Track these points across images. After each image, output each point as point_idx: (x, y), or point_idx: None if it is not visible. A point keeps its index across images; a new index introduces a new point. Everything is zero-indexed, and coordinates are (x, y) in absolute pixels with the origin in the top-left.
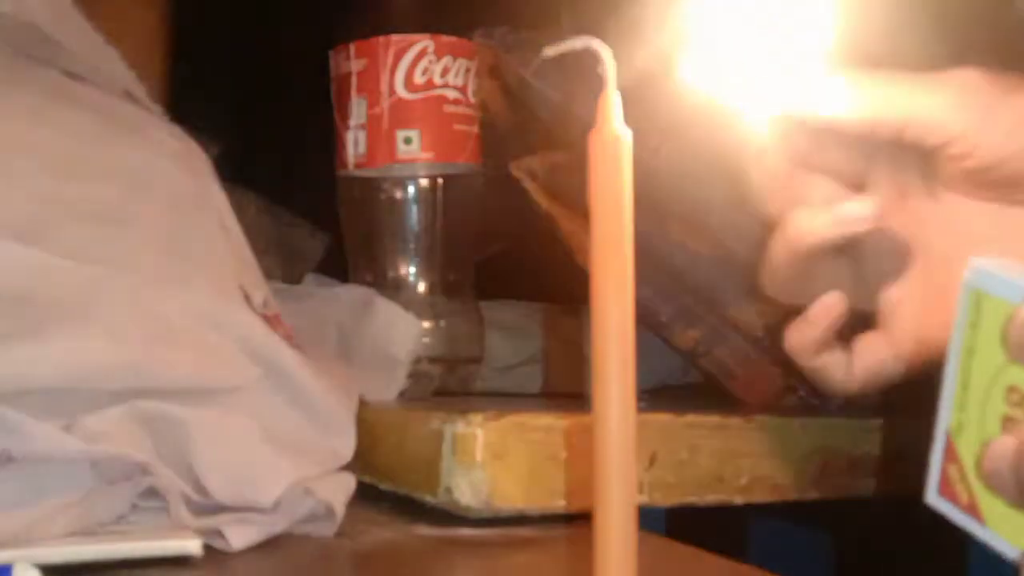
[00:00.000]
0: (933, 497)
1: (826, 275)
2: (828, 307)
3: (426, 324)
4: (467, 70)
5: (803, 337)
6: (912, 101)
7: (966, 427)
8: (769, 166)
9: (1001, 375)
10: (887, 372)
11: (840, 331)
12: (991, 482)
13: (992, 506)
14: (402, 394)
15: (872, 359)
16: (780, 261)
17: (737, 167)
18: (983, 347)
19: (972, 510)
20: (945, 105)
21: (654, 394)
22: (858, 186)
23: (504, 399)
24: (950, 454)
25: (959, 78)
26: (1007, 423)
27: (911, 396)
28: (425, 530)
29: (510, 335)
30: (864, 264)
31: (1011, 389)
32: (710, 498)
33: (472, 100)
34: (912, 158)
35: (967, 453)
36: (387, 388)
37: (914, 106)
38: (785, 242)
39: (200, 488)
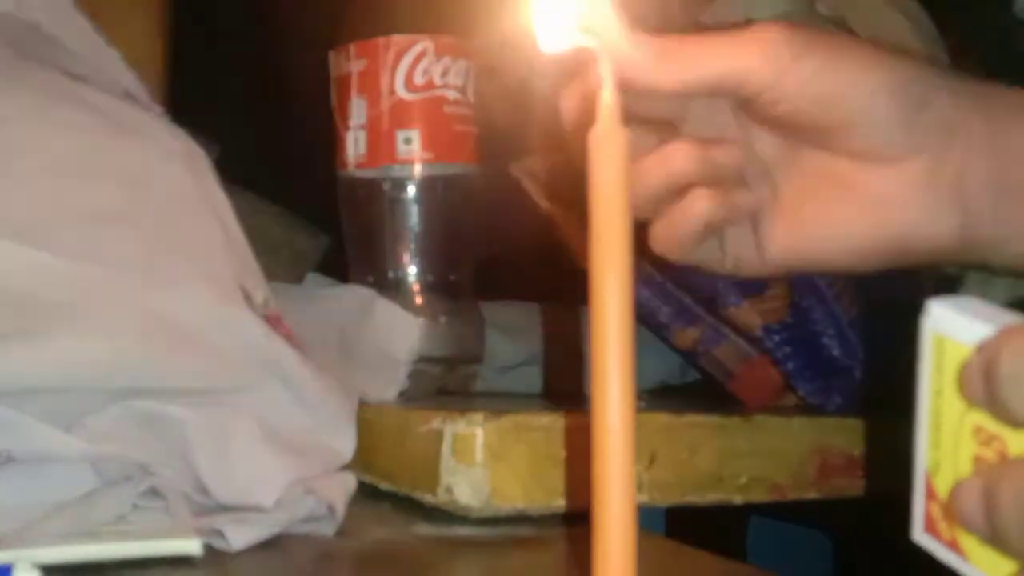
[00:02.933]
0: (919, 535)
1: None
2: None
3: (426, 324)
4: (467, 70)
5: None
6: (725, 58)
7: (942, 466)
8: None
9: (968, 415)
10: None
11: None
12: (963, 522)
13: (972, 542)
14: (402, 394)
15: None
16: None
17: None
18: (948, 389)
19: (954, 546)
20: (756, 58)
21: (654, 394)
22: (673, 131)
23: (504, 399)
24: (930, 493)
25: (767, 32)
26: (978, 462)
27: (894, 395)
28: (425, 530)
29: (510, 335)
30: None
31: (978, 429)
32: (710, 498)
33: (472, 100)
34: (725, 102)
35: (945, 492)
36: (387, 388)
37: (728, 63)
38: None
39: (200, 488)
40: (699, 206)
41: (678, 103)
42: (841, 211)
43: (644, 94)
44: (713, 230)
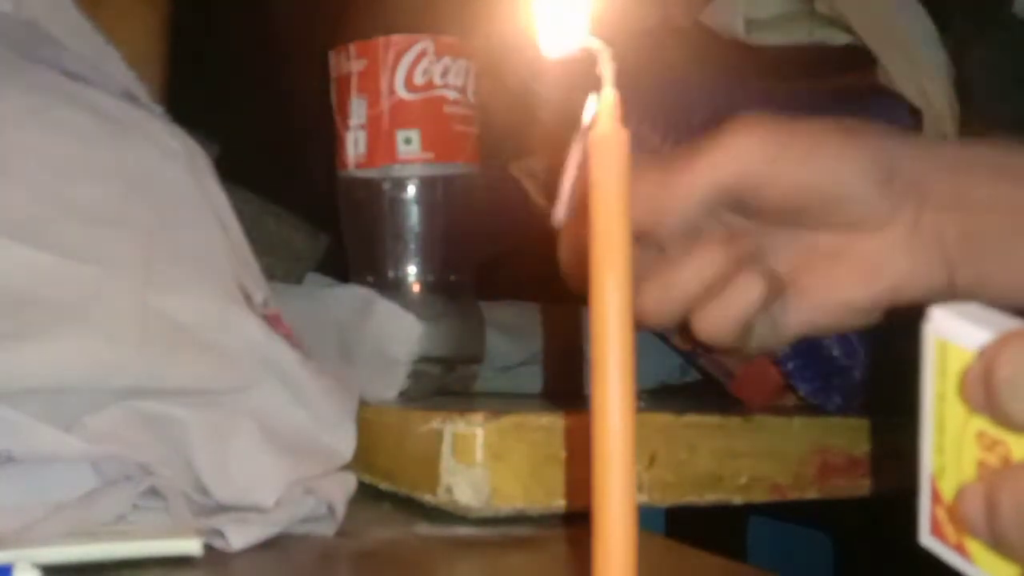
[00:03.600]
0: (925, 538)
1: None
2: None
3: (426, 324)
4: (467, 70)
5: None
6: (709, 180)
7: (947, 470)
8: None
9: (971, 420)
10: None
11: None
12: (966, 527)
13: (978, 545)
14: (402, 394)
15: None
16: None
17: None
18: (951, 394)
19: (960, 549)
20: (737, 170)
21: (654, 394)
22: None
23: (504, 399)
24: (936, 496)
25: (742, 139)
26: (980, 467)
27: (899, 394)
28: (425, 530)
29: (510, 335)
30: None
31: (981, 434)
32: (709, 498)
33: (472, 100)
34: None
35: (950, 495)
36: (387, 388)
37: (713, 181)
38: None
39: (200, 488)
40: (754, 290)
41: (662, 232)
42: (837, 280)
43: (645, 226)
44: (758, 307)
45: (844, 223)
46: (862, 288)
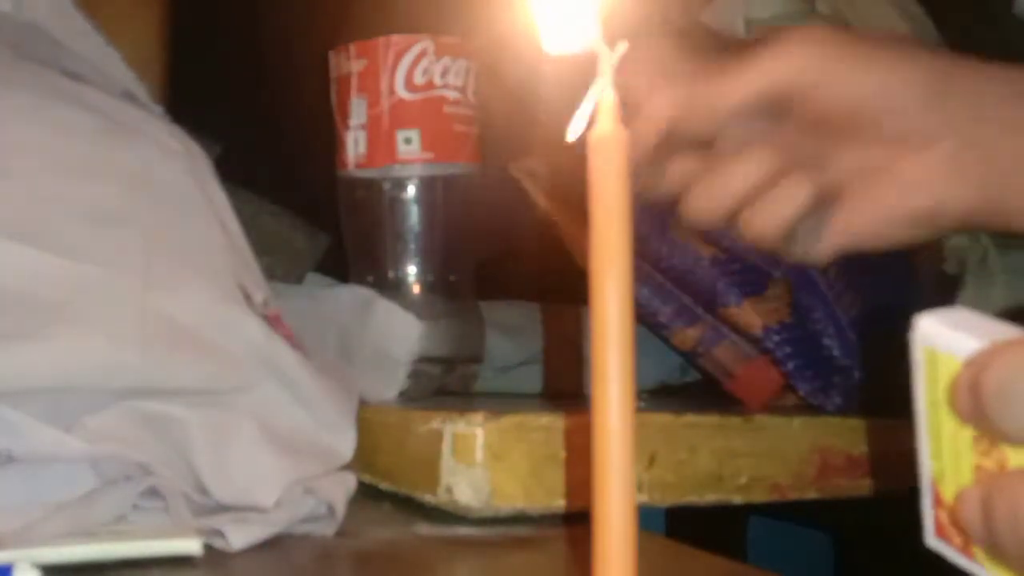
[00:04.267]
0: (931, 540)
1: None
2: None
3: (426, 324)
4: (467, 70)
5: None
6: (771, 71)
7: (946, 474)
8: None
9: (966, 426)
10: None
11: None
12: (966, 531)
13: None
14: (402, 394)
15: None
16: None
17: None
18: (944, 401)
19: (966, 551)
20: (799, 66)
21: (654, 394)
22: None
23: (504, 399)
24: (937, 500)
25: (805, 39)
26: (978, 471)
27: (899, 394)
28: (425, 530)
29: (510, 335)
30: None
31: (977, 439)
32: (709, 498)
33: (472, 100)
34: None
35: (950, 499)
36: (387, 388)
37: (774, 74)
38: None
39: (200, 488)
40: (801, 192)
41: (716, 124)
42: (878, 192)
43: (701, 117)
44: (806, 210)
45: (890, 137)
46: (902, 202)
